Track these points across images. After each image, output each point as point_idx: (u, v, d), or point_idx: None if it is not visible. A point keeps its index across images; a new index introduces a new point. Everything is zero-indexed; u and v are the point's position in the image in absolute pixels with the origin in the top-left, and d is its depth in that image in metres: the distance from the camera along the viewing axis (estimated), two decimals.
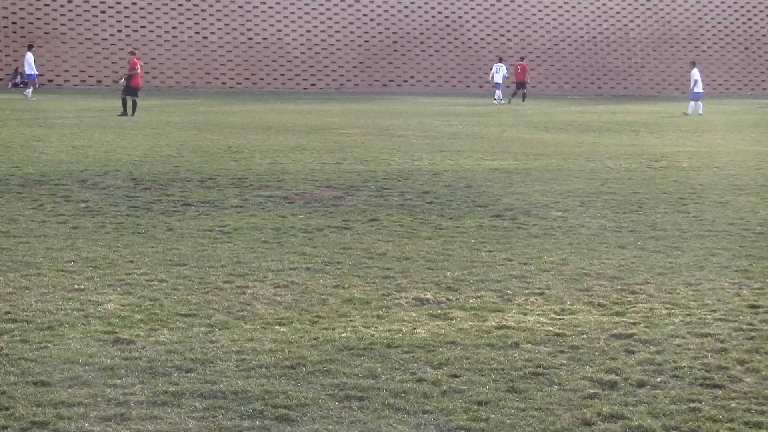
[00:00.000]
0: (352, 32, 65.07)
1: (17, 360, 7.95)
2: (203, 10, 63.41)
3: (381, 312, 9.61)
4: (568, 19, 68.13)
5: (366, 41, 65.15)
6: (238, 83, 62.73)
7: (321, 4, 64.79)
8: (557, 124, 36.18)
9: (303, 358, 8.10)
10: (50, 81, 59.23)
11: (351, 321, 9.28)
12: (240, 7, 63.89)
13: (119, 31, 62.04)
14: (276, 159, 22.59)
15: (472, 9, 66.90)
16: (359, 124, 34.03)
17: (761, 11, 71.15)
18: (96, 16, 61.96)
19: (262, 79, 63.45)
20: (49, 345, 8.35)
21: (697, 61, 59.41)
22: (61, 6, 61.62)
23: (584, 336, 8.86)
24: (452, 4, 66.64)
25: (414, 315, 9.52)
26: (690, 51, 69.07)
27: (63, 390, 7.29)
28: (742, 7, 70.84)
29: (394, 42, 65.45)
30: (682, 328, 9.17)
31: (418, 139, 28.48)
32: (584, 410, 7.05)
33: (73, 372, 7.66)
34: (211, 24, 63.37)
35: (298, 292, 10.37)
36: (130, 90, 37.40)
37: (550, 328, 9.08)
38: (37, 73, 49.66)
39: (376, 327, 9.06)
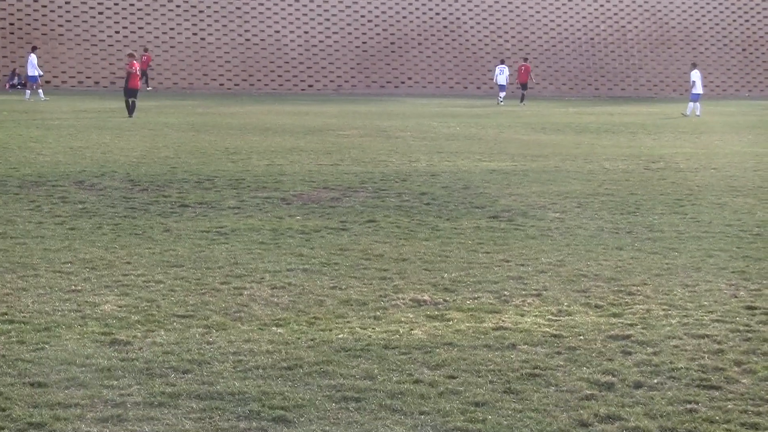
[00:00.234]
0: (349, 33, 65.08)
1: (14, 361, 7.95)
2: (201, 12, 63.40)
3: (378, 313, 9.61)
4: (566, 21, 68.15)
5: (364, 42, 65.16)
6: (235, 84, 62.73)
7: (319, 6, 64.79)
8: (555, 126, 36.18)
9: (300, 359, 8.10)
10: (48, 82, 59.17)
11: (348, 322, 9.28)
12: (238, 8, 63.88)
13: (117, 32, 62.02)
14: (273, 160, 22.58)
15: (470, 10, 66.92)
16: (357, 126, 34.04)
17: (759, 13, 71.20)
18: (94, 17, 61.94)
19: (259, 80, 63.44)
20: (46, 346, 8.35)
21: (695, 62, 59.47)
22: (59, 7, 61.60)
23: (581, 337, 8.86)
24: (450, 5, 66.66)
25: (411, 316, 9.52)
26: (687, 52, 69.10)
27: (60, 391, 7.29)
28: (739, 8, 70.88)
29: (392, 43, 65.46)
30: (679, 329, 9.17)
31: (416, 141, 28.48)
32: (581, 411, 7.05)
33: (70, 373, 7.66)
34: (208, 25, 63.36)
35: (295, 293, 10.37)
36: (128, 91, 37.43)
37: (547, 330, 9.08)
38: (39, 74, 49.62)
39: (373, 328, 9.06)
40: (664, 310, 9.87)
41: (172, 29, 62.87)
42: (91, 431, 6.61)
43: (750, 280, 11.28)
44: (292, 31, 64.34)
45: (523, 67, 54.61)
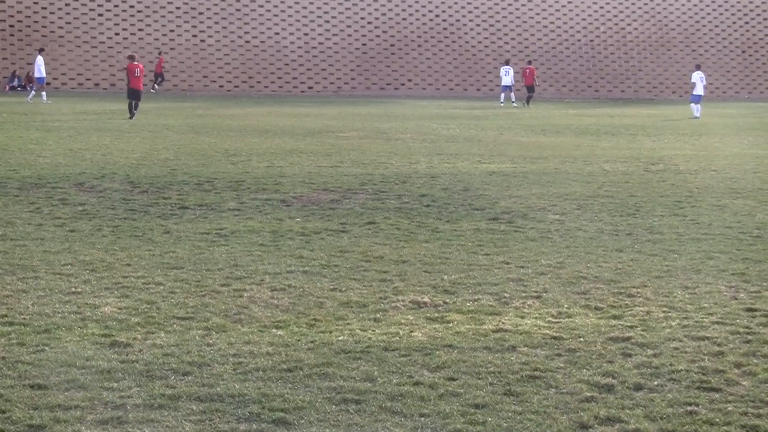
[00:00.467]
0: (349, 35, 65.10)
1: (14, 363, 7.94)
2: (201, 14, 63.42)
3: (378, 315, 9.61)
4: (565, 23, 68.18)
5: (363, 44, 65.18)
6: (235, 86, 62.75)
7: (318, 8, 64.82)
8: (555, 128, 36.19)
9: (300, 361, 8.10)
10: (48, 84, 59.20)
11: (348, 324, 9.28)
12: (237, 10, 63.91)
13: (117, 34, 62.05)
14: (273, 162, 22.59)
15: (470, 12, 66.94)
16: (356, 128, 34.04)
17: (758, 15, 71.23)
18: (93, 19, 61.97)
19: (259, 82, 63.46)
20: (46, 348, 8.35)
21: (695, 64, 59.42)
22: (59, 9, 61.62)
23: (581, 339, 8.86)
24: (450, 7, 66.68)
25: (411, 318, 9.52)
26: (687, 54, 69.14)
27: (60, 393, 7.29)
28: (739, 11, 70.92)
29: (392, 45, 65.48)
30: (679, 331, 9.17)
31: (416, 143, 28.48)
32: (581, 413, 7.05)
33: (70, 375, 7.66)
34: (208, 27, 63.39)
35: (295, 295, 10.36)
36: (129, 92, 37.62)
37: (547, 332, 9.08)
38: (44, 76, 49.70)
39: (373, 330, 9.06)
40: (664, 312, 9.87)
41: (171, 31, 62.90)
42: None
43: (750, 282, 11.28)
44: (291, 33, 64.37)
45: (527, 70, 54.59)
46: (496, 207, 16.60)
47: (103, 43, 61.67)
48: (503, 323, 9.34)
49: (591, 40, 68.38)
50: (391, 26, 65.69)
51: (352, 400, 7.24)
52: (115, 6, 62.36)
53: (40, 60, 49.59)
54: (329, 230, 14.23)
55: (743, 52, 70.15)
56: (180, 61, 62.11)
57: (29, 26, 61.26)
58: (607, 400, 7.34)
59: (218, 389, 7.39)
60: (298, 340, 8.69)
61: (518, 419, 6.94)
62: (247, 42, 63.75)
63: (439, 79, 65.58)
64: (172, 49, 62.26)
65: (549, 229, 14.58)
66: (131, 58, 38.90)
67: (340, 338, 8.77)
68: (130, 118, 36.14)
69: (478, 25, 66.85)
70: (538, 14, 67.89)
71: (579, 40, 68.11)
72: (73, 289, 10.43)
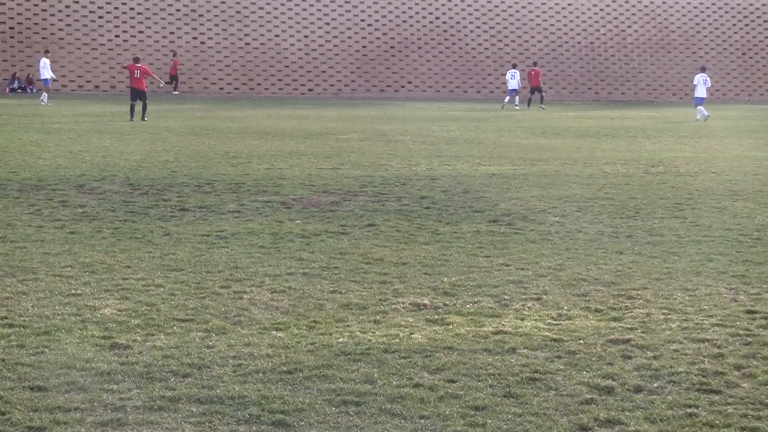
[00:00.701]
0: (349, 37, 65.11)
1: (14, 365, 7.94)
2: (201, 16, 63.44)
3: (378, 317, 9.61)
4: (565, 25, 68.20)
5: (363, 46, 65.19)
6: (235, 88, 62.76)
7: (318, 10, 64.84)
8: (555, 130, 36.19)
9: (300, 363, 8.10)
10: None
11: (348, 326, 9.28)
12: (237, 12, 63.92)
13: (117, 36, 62.07)
14: (273, 164, 22.59)
15: (470, 14, 66.95)
16: (357, 130, 34.05)
17: (759, 17, 71.25)
18: (94, 21, 61.98)
19: (259, 84, 63.47)
20: (46, 350, 8.35)
21: (695, 66, 59.46)
22: (59, 11, 61.64)
23: (581, 341, 8.86)
24: (450, 9, 66.70)
25: (411, 320, 9.52)
26: (687, 57, 69.15)
27: (59, 395, 7.29)
28: (739, 13, 70.94)
29: (392, 47, 65.49)
30: (679, 333, 9.17)
31: (416, 145, 28.49)
32: (581, 415, 7.05)
33: (70, 377, 7.66)
34: (208, 29, 63.41)
35: (295, 297, 10.36)
36: (130, 93, 37.86)
37: (547, 334, 9.08)
38: (45, 78, 49.75)
39: (373, 332, 9.06)
40: (664, 314, 9.87)
41: (172, 33, 62.91)
42: None
43: (750, 284, 11.28)
44: (291, 35, 64.38)
45: (533, 71, 54.62)
46: (496, 209, 16.60)
47: (103, 45, 61.69)
48: (503, 325, 9.34)
49: (591, 42, 68.39)
50: (391, 28, 65.70)
51: (352, 402, 7.24)
52: (116, 8, 62.38)
53: (44, 62, 49.63)
54: (329, 232, 14.23)
55: (743, 54, 70.17)
56: (180, 63, 62.09)
57: (29, 28, 61.28)
58: (607, 402, 7.34)
59: (218, 391, 7.39)
60: (298, 342, 8.69)
61: (518, 421, 6.94)
62: (247, 44, 63.76)
63: (439, 81, 65.60)
64: (171, 51, 62.25)
65: (549, 231, 14.58)
66: (136, 60, 39.11)
67: (340, 340, 8.77)
68: (130, 119, 36.18)
69: (478, 27, 66.87)
70: (538, 16, 67.91)
71: (579, 42, 68.13)
72: (73, 291, 10.43)
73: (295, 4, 64.67)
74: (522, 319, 9.60)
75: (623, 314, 9.84)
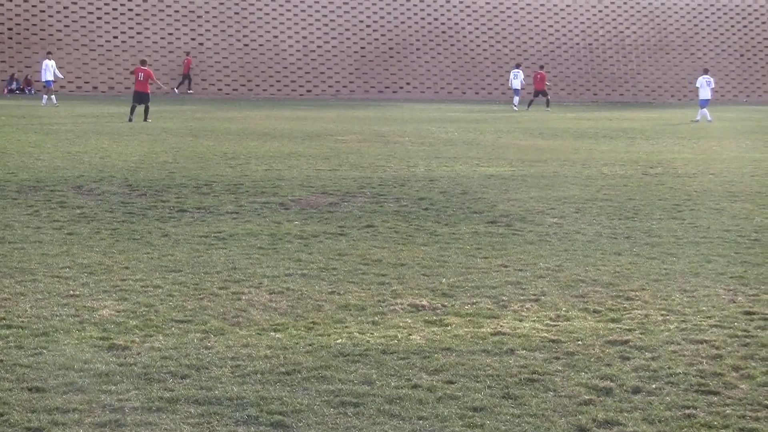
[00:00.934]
0: (348, 38, 65.12)
1: (12, 366, 7.94)
2: (199, 17, 63.43)
3: (376, 318, 9.61)
4: (564, 26, 68.21)
5: (362, 48, 65.20)
6: (234, 89, 62.75)
7: (317, 11, 64.84)
8: (553, 131, 36.20)
9: (298, 364, 8.10)
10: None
11: (346, 327, 9.28)
12: (236, 13, 63.92)
13: (115, 37, 62.06)
14: (272, 165, 22.59)
15: (468, 16, 66.97)
16: (355, 131, 34.05)
17: (757, 18, 71.28)
18: (92, 22, 61.98)
19: (258, 85, 63.48)
20: (44, 351, 8.35)
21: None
22: (57, 12, 61.63)
23: (579, 342, 8.86)
24: (448, 11, 66.71)
25: (409, 321, 9.52)
26: (686, 58, 69.18)
27: (58, 396, 7.29)
28: (737, 14, 70.96)
29: (390, 48, 65.50)
30: (677, 334, 9.17)
31: (414, 146, 28.49)
32: (579, 417, 7.05)
33: (68, 378, 7.66)
34: (207, 30, 63.40)
35: (293, 298, 10.36)
36: (134, 95, 38.16)
37: (546, 335, 9.08)
38: (45, 80, 49.77)
39: (371, 333, 9.06)
40: (662, 315, 9.87)
41: (170, 34, 62.91)
42: None
43: (748, 285, 11.29)
44: (290, 36, 64.38)
45: (538, 75, 54.65)
46: (494, 210, 16.61)
47: (102, 46, 61.68)
48: (501, 326, 9.34)
49: (590, 44, 68.41)
50: (390, 29, 65.71)
51: (350, 403, 7.24)
52: (114, 9, 62.37)
53: (47, 63, 49.66)
54: (327, 233, 14.23)
55: (741, 55, 70.20)
56: (178, 64, 62.11)
57: (28, 29, 61.27)
58: (605, 403, 7.34)
59: (216, 392, 7.39)
60: (297, 343, 8.69)
61: (516, 422, 6.94)
62: (246, 45, 63.77)
63: (437, 82, 65.61)
64: (170, 52, 62.27)
65: (547, 233, 14.58)
66: (142, 62, 39.43)
67: (339, 341, 8.77)
68: (129, 120, 36.25)
69: (477, 29, 66.88)
70: (536, 17, 67.93)
71: (578, 44, 68.14)
72: (71, 292, 10.43)
73: (294, 6, 64.68)
74: (520, 320, 9.60)
75: (621, 315, 9.85)
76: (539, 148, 28.51)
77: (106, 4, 62.33)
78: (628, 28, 69.16)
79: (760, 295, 10.77)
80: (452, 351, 8.53)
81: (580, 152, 27.48)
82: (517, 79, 54.50)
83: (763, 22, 71.26)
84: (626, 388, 7.67)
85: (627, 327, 9.40)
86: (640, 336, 9.09)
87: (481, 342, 8.82)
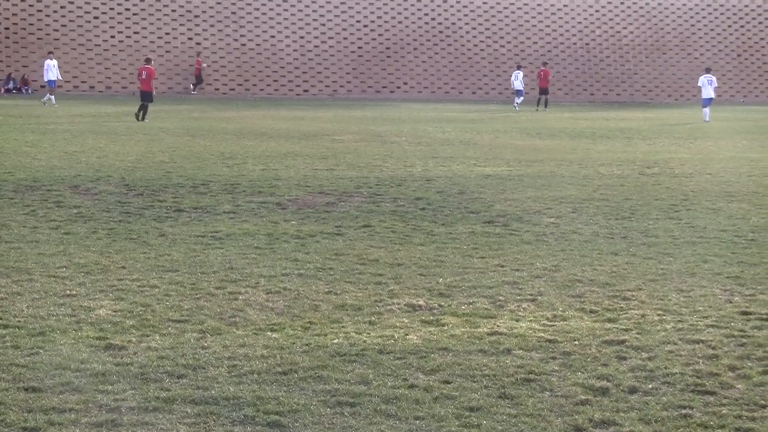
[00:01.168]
0: (345, 38, 65.12)
1: (8, 366, 7.93)
2: (196, 16, 63.42)
3: (373, 318, 9.61)
4: (561, 26, 68.24)
5: (359, 47, 65.20)
6: (231, 89, 62.74)
7: (314, 11, 64.84)
8: (550, 131, 36.21)
9: (295, 364, 8.10)
10: (42, 87, 59.20)
11: (343, 327, 9.28)
12: (233, 13, 63.90)
13: (112, 37, 62.04)
14: (269, 165, 22.59)
15: (466, 15, 66.98)
16: (352, 131, 34.05)
17: (754, 18, 71.32)
18: (89, 22, 61.95)
19: (255, 85, 63.47)
20: (41, 351, 8.34)
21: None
22: (55, 12, 61.60)
23: (576, 342, 8.86)
24: (445, 10, 66.72)
25: (406, 321, 9.52)
26: (683, 58, 69.22)
27: (54, 396, 7.28)
28: (734, 14, 71.01)
29: (387, 48, 65.51)
30: (673, 334, 9.18)
31: (411, 146, 28.49)
32: (576, 416, 7.05)
33: (65, 378, 7.65)
34: (204, 30, 63.39)
35: (290, 298, 10.36)
36: (141, 94, 38.59)
37: (542, 335, 9.08)
38: (55, 79, 49.76)
39: (368, 333, 9.06)
40: (658, 315, 9.88)
41: (167, 34, 62.89)
42: None
43: (745, 285, 11.29)
44: (287, 36, 64.37)
45: (542, 72, 54.70)
46: (491, 210, 16.61)
47: (99, 45, 61.66)
48: (498, 326, 9.34)
49: (587, 44, 68.43)
50: (387, 29, 65.72)
51: (346, 403, 7.24)
52: (111, 9, 62.35)
53: (48, 63, 49.67)
54: (324, 233, 14.23)
55: (738, 55, 70.24)
56: (175, 64, 62.09)
57: (25, 29, 61.23)
58: (601, 403, 7.34)
59: (213, 392, 7.39)
60: (293, 343, 8.69)
61: (513, 422, 6.95)
62: (243, 45, 63.75)
63: (434, 82, 65.62)
64: (167, 51, 62.26)
65: (544, 232, 14.59)
66: (147, 61, 39.80)
67: (335, 341, 8.77)
68: (140, 120, 36.53)
69: (474, 29, 66.89)
70: (533, 17, 67.95)
71: (575, 44, 68.17)
72: (68, 291, 10.42)
73: (291, 5, 64.67)
74: (517, 320, 9.60)
75: (618, 315, 9.85)
76: (536, 148, 28.52)
77: (103, 4, 62.31)
78: (625, 28, 69.19)
79: (757, 295, 10.78)
80: (449, 351, 8.54)
81: (577, 152, 27.49)
82: (518, 80, 54.55)
83: (760, 22, 71.31)
84: (623, 388, 7.67)
85: (623, 327, 9.41)
86: (637, 336, 9.09)
87: (477, 342, 8.82)
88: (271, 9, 64.42)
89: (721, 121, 44.21)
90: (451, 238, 13.98)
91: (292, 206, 16.71)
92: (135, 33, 62.33)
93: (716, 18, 70.56)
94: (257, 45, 63.87)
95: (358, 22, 65.37)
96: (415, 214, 16.16)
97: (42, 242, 13.16)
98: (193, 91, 60.82)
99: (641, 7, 69.69)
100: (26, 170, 20.69)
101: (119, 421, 6.83)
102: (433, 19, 66.40)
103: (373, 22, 65.54)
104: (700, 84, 46.10)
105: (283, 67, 63.89)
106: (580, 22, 68.53)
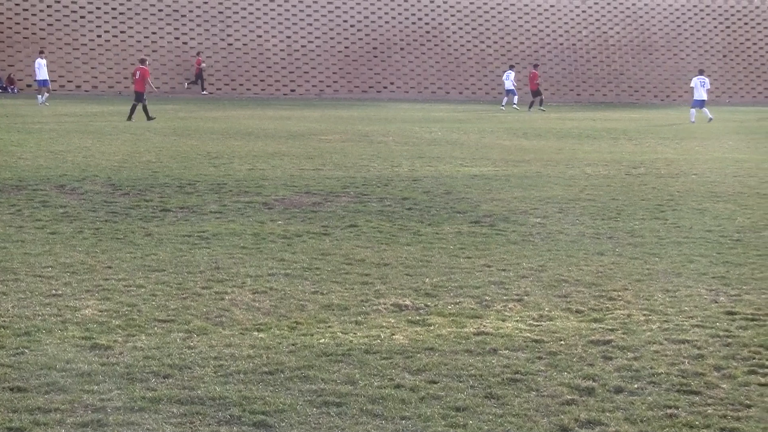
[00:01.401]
0: (332, 38, 65.09)
1: None
2: (183, 16, 63.32)
3: (359, 318, 9.61)
4: (548, 26, 68.33)
5: (346, 47, 65.18)
6: (217, 89, 62.66)
7: (301, 11, 64.80)
8: (536, 131, 36.26)
9: (281, 364, 8.09)
10: (29, 86, 59.07)
11: (329, 327, 9.28)
12: (220, 12, 63.82)
13: (98, 36, 61.90)
14: (255, 165, 22.56)
15: (453, 16, 67.02)
16: (339, 130, 34.04)
17: (739, 19, 71.52)
18: (75, 21, 61.80)
19: (241, 84, 63.39)
20: (26, 351, 8.32)
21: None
22: (41, 11, 61.44)
23: (562, 342, 8.88)
24: (432, 11, 66.75)
25: (392, 321, 9.52)
26: (669, 59, 69.36)
27: (40, 396, 7.27)
28: (720, 15, 71.19)
29: (374, 48, 65.50)
30: (659, 334, 9.20)
31: (398, 146, 28.50)
32: (562, 416, 7.07)
33: (50, 378, 7.64)
34: (191, 29, 63.29)
35: (276, 297, 10.36)
36: (135, 95, 38.73)
37: (528, 335, 9.10)
38: (47, 78, 49.58)
39: (354, 333, 9.06)
40: (644, 315, 9.90)
41: (154, 33, 62.77)
42: None
43: (730, 285, 11.32)
44: (274, 36, 64.31)
45: (531, 74, 54.85)
46: (477, 210, 16.62)
47: (85, 45, 61.52)
48: (484, 326, 9.35)
49: (573, 44, 68.53)
50: (374, 29, 65.71)
51: (333, 402, 7.24)
52: (97, 8, 62.21)
53: (39, 62, 49.51)
54: (311, 233, 14.22)
55: (724, 56, 70.43)
56: (162, 63, 61.99)
57: (11, 28, 61.06)
58: (587, 403, 7.36)
59: (199, 392, 7.38)
60: (280, 343, 8.69)
61: (499, 422, 6.95)
62: (230, 44, 63.67)
63: (421, 82, 65.64)
64: (154, 51, 62.14)
65: (530, 233, 14.61)
66: (141, 61, 40.02)
67: (322, 341, 8.77)
68: (148, 119, 36.65)
69: (461, 29, 66.93)
70: (520, 18, 68.02)
71: (561, 44, 68.25)
72: (54, 291, 10.40)
73: (278, 5, 64.62)
74: (503, 320, 9.61)
75: (604, 315, 9.87)
76: (523, 148, 28.55)
77: (89, 3, 62.18)
78: (611, 28, 69.31)
79: (742, 295, 10.81)
80: (435, 351, 8.54)
81: (563, 152, 27.52)
82: (509, 80, 54.63)
83: (746, 23, 71.51)
84: (608, 387, 7.68)
85: (609, 327, 9.43)
86: (623, 336, 9.11)
87: (463, 342, 8.83)
88: (258, 9, 64.36)
89: (707, 121, 44.31)
90: (437, 238, 13.99)
91: (279, 206, 16.70)
92: (122, 32, 62.21)
93: (702, 19, 70.74)
94: (244, 45, 63.80)
95: (345, 21, 65.36)
96: (401, 214, 16.16)
97: (28, 242, 13.13)
98: (202, 90, 60.95)
99: (627, 8, 69.83)
100: (12, 170, 20.63)
101: (105, 421, 6.82)
102: (420, 19, 66.43)
103: (360, 22, 65.53)
104: (692, 85, 46.20)
105: (269, 67, 63.84)
106: (566, 23, 68.64)
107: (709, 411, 7.23)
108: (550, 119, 44.54)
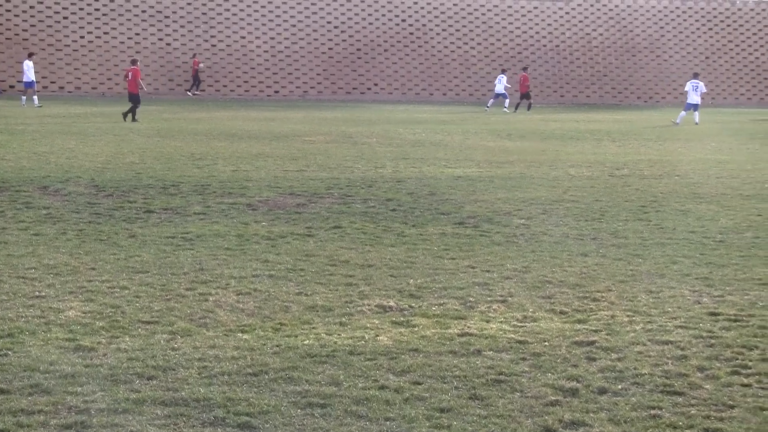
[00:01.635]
0: (316, 39, 65.06)
1: None
2: (167, 17, 63.20)
3: (344, 319, 9.61)
4: (531, 28, 68.44)
5: (330, 48, 65.17)
6: (201, 90, 62.54)
7: (285, 12, 64.75)
8: (520, 132, 36.31)
9: (265, 365, 8.09)
10: (12, 87, 58.89)
11: (314, 328, 9.27)
12: (204, 14, 63.73)
13: (82, 37, 61.73)
14: (239, 166, 22.54)
15: (437, 17, 67.06)
16: (323, 132, 34.03)
17: (722, 21, 71.75)
18: (59, 22, 61.63)
19: (225, 86, 63.31)
20: (9, 352, 8.30)
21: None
22: (23, 12, 61.25)
23: (546, 343, 8.89)
24: (416, 12, 66.78)
25: (377, 322, 9.53)
26: (652, 60, 69.54)
27: (23, 398, 7.25)
28: (703, 17, 71.41)
29: (359, 50, 65.50)
30: (643, 335, 9.23)
31: (382, 147, 28.50)
32: (546, 417, 7.08)
33: (34, 379, 7.62)
34: (174, 31, 63.18)
35: (260, 299, 10.35)
36: (129, 96, 38.76)
37: (512, 336, 9.11)
38: (33, 80, 49.34)
39: (338, 334, 9.07)
40: (628, 316, 9.92)
41: (137, 34, 62.64)
42: None
43: (713, 286, 11.36)
44: (258, 37, 64.24)
45: (521, 77, 55.00)
46: (461, 211, 16.64)
47: (68, 46, 61.35)
48: (468, 327, 9.36)
49: (557, 45, 68.65)
50: (358, 30, 65.71)
51: (317, 404, 7.24)
52: (80, 9, 62.04)
53: (28, 64, 49.30)
54: (295, 234, 14.22)
55: (707, 58, 70.64)
56: (146, 64, 61.86)
57: None
58: (571, 403, 7.37)
59: (183, 393, 7.37)
60: (264, 344, 8.68)
61: (483, 423, 6.96)
62: (214, 45, 63.58)
63: (405, 83, 65.66)
64: (137, 52, 61.99)
65: (514, 234, 14.63)
66: (133, 62, 40.05)
67: (306, 342, 8.77)
68: (125, 120, 36.58)
69: (445, 30, 66.98)
70: (504, 19, 68.11)
71: (545, 45, 68.37)
72: (37, 293, 10.37)
73: (261, 6, 64.56)
74: (487, 321, 9.63)
75: (588, 316, 9.89)
76: (506, 150, 28.59)
77: (72, 4, 62.00)
78: (594, 30, 69.45)
79: (725, 296, 10.85)
80: (419, 352, 8.55)
81: (547, 154, 27.57)
82: (500, 83, 54.69)
83: (728, 25, 71.75)
84: (592, 388, 7.70)
85: (593, 328, 9.45)
86: (606, 337, 9.13)
87: (448, 343, 8.84)
88: (241, 10, 64.29)
89: (690, 123, 44.45)
90: (421, 240, 14.00)
91: (263, 207, 16.69)
92: (105, 33, 62.06)
93: (685, 21, 70.95)
94: (228, 46, 63.72)
95: (328, 23, 65.33)
96: (385, 215, 16.17)
97: (11, 243, 13.09)
98: (195, 91, 60.73)
99: (610, 10, 69.99)
100: None
101: (89, 422, 6.80)
102: (403, 20, 66.45)
103: (344, 23, 65.52)
104: (686, 89, 46.37)
105: (253, 68, 63.77)
106: (550, 24, 68.75)
107: (692, 411, 7.26)
108: (534, 120, 44.61)
